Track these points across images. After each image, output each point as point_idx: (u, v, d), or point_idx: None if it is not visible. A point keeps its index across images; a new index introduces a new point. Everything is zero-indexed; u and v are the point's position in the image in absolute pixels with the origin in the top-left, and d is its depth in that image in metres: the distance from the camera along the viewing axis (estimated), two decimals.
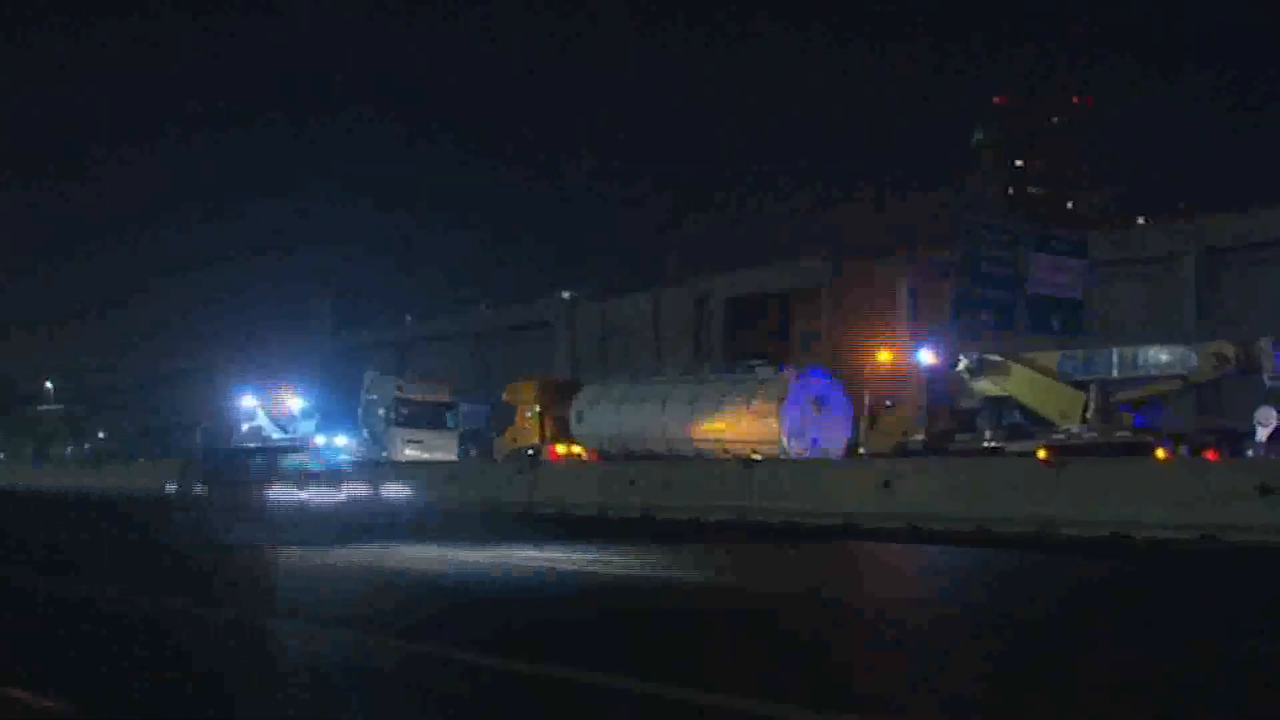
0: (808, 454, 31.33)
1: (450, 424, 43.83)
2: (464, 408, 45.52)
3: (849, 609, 12.83)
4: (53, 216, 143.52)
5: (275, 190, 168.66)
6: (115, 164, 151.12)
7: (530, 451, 37.92)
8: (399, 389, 44.00)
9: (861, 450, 30.93)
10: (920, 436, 29.42)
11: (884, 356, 32.69)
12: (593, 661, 9.08)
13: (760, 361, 36.48)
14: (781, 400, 32.37)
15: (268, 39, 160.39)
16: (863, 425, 31.93)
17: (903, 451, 28.78)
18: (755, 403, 32.94)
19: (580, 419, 37.65)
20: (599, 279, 66.64)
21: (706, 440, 33.27)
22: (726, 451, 31.25)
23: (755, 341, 49.20)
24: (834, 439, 32.36)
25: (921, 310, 38.41)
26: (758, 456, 27.57)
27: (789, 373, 33.56)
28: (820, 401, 32.83)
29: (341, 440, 44.21)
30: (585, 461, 36.04)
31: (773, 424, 32.13)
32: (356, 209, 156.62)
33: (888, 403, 31.41)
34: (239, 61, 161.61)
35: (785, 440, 31.75)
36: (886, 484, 21.84)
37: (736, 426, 32.92)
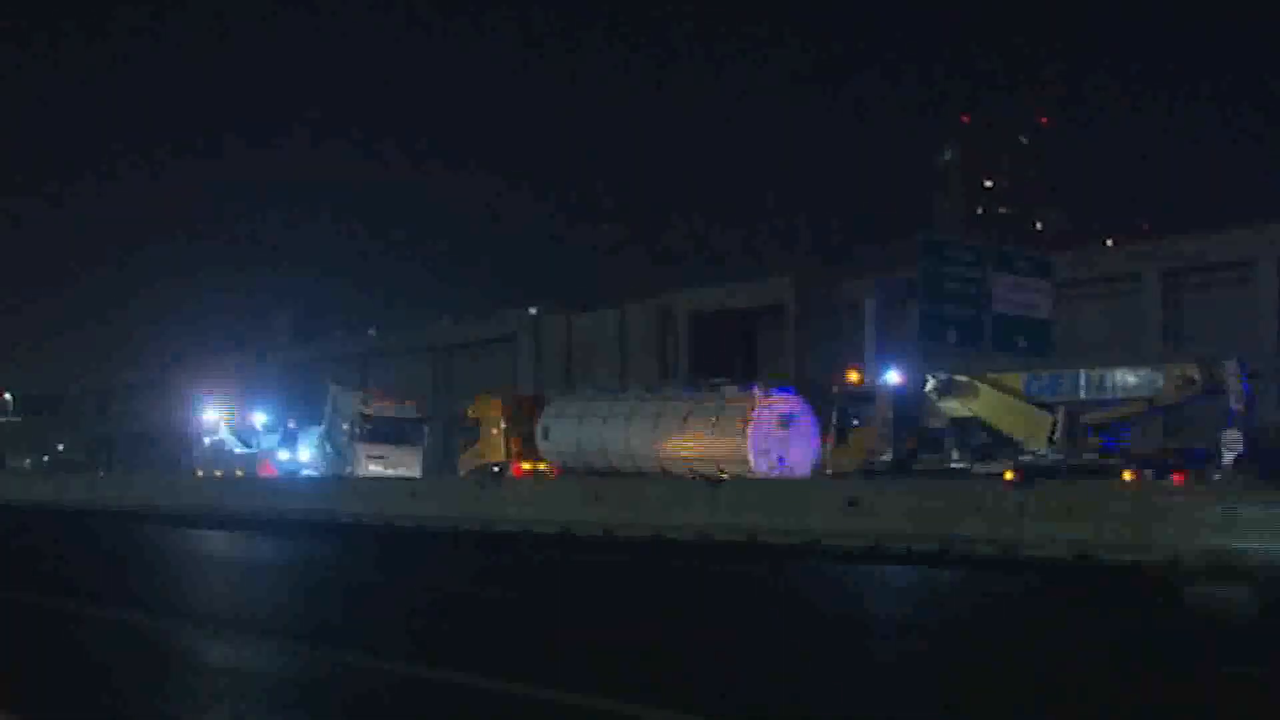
0: (775, 473, 31.23)
1: (416, 440, 43.56)
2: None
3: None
4: (14, 237, 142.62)
5: (234, 207, 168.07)
6: (77, 186, 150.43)
7: (495, 468, 37.66)
8: (363, 403, 43.67)
9: (828, 470, 30.83)
10: (886, 456, 29.33)
11: (851, 376, 32.59)
12: None
13: (725, 379, 36.41)
14: (748, 419, 32.27)
15: (226, 59, 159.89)
16: (829, 445, 31.84)
17: (869, 471, 28.68)
18: (722, 421, 32.83)
19: (546, 435, 37.43)
20: (564, 294, 66.69)
21: (672, 458, 33.12)
22: (692, 470, 31.08)
23: (721, 358, 49.12)
24: (801, 458, 32.26)
25: (887, 329, 38.37)
26: (725, 475, 27.42)
27: (756, 391, 33.46)
28: (787, 420, 32.74)
29: (305, 455, 43.89)
30: (549, 479, 35.78)
31: (740, 442, 32.02)
32: (314, 226, 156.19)
33: (854, 422, 31.33)
34: (197, 84, 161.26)
35: (753, 459, 31.64)
36: (852, 503, 21.72)
37: (703, 444, 32.79)
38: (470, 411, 41.62)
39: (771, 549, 21.61)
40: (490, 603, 14.88)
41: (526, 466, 37.88)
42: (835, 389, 32.42)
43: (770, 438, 32.25)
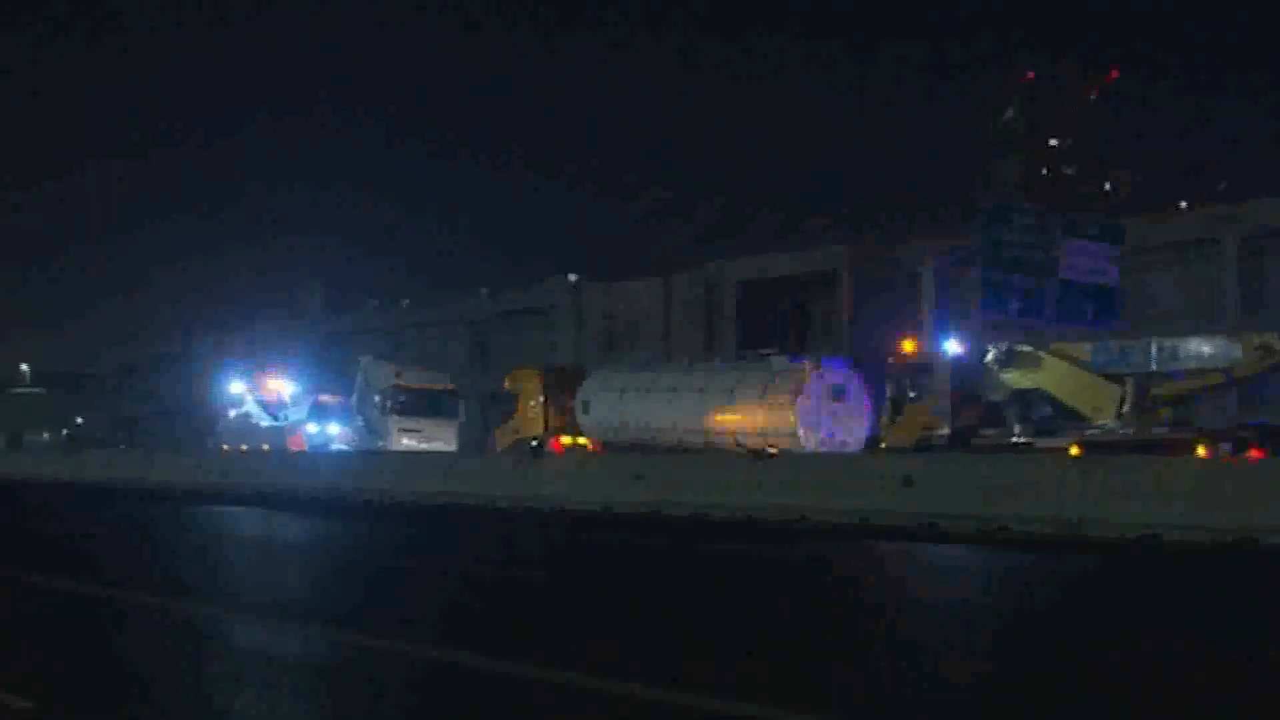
0: (826, 449, 31.15)
1: (451, 413, 43.72)
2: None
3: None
4: (42, 212, 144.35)
5: (264, 180, 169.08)
6: (104, 161, 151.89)
7: (533, 443, 37.76)
8: (397, 375, 43.87)
9: (883, 445, 30.72)
10: (944, 431, 29.19)
11: (907, 346, 32.40)
12: None
13: (774, 351, 36.35)
14: (798, 391, 32.20)
15: (251, 33, 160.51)
16: (883, 419, 31.71)
17: (926, 447, 28.55)
18: (770, 394, 32.78)
19: (586, 409, 37.51)
20: (605, 264, 66.60)
21: (719, 433, 33.12)
22: (739, 445, 31.08)
23: (770, 329, 49.02)
24: (853, 432, 32.18)
25: (946, 298, 38.09)
26: (773, 450, 27.44)
27: (806, 362, 33.38)
28: (838, 393, 32.65)
29: (335, 429, 44.15)
30: (590, 455, 35.86)
31: (788, 416, 31.96)
32: (341, 199, 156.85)
33: (910, 395, 31.14)
34: (222, 59, 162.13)
35: (802, 434, 31.58)
36: (908, 481, 21.59)
37: (750, 418, 32.77)
38: (507, 383, 41.79)
39: (822, 529, 21.54)
40: (523, 585, 14.88)
41: (566, 442, 38.01)
42: (890, 360, 32.28)
43: (821, 412, 32.18)
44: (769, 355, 35.60)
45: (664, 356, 48.24)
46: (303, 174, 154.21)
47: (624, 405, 36.30)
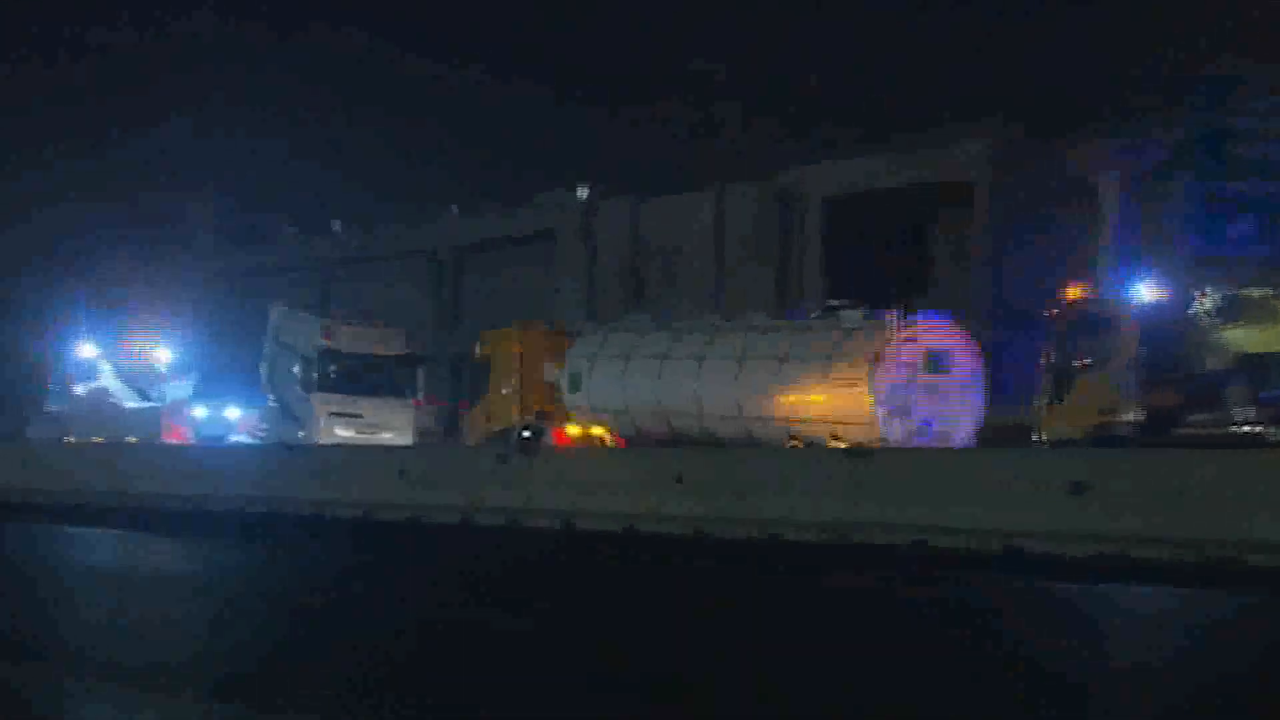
0: (916, 441, 31.01)
1: (405, 389, 43.60)
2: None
3: None
4: None
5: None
6: None
7: (523, 434, 37.62)
8: (325, 334, 43.67)
9: (1041, 437, 30.47)
10: (1132, 416, 28.88)
11: (1076, 293, 32.05)
12: None
13: (846, 302, 35.99)
14: (878, 360, 31.91)
15: None
16: (1039, 399, 31.43)
17: (1104, 439, 28.27)
18: (838, 363, 32.51)
19: (576, 385, 37.40)
20: (631, 178, 65.22)
21: (764, 418, 32.96)
22: (794, 436, 30.98)
23: (872, 268, 48.73)
24: (957, 419, 32.01)
25: (1135, 222, 37.77)
26: (871, 443, 27.24)
27: (889, 319, 33.01)
28: (937, 362, 32.41)
29: (234, 413, 44.10)
30: (607, 450, 35.72)
31: (862, 395, 31.73)
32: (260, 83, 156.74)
33: (1080, 364, 30.85)
34: None
35: (882, 419, 31.40)
36: (1078, 488, 21.31)
37: (809, 398, 32.60)
38: (479, 351, 41.69)
39: (952, 558, 21.36)
40: (504, 640, 14.76)
41: (574, 432, 37.89)
42: (1051, 314, 31.97)
43: (911, 388, 31.92)
44: (838, 309, 35.21)
45: (711, 310, 47.88)
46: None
47: (629, 380, 36.09)
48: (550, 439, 37.22)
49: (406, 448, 39.50)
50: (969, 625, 16.82)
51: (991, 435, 35.12)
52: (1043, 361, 31.32)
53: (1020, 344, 32.84)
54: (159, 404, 46.50)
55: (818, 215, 53.07)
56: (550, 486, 28.13)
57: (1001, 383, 34.27)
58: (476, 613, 17.06)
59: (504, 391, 39.64)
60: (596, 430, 37.70)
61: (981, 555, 21.16)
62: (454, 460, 34.21)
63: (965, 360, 32.66)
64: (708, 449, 32.03)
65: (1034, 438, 30.73)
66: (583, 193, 61.44)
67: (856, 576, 20.63)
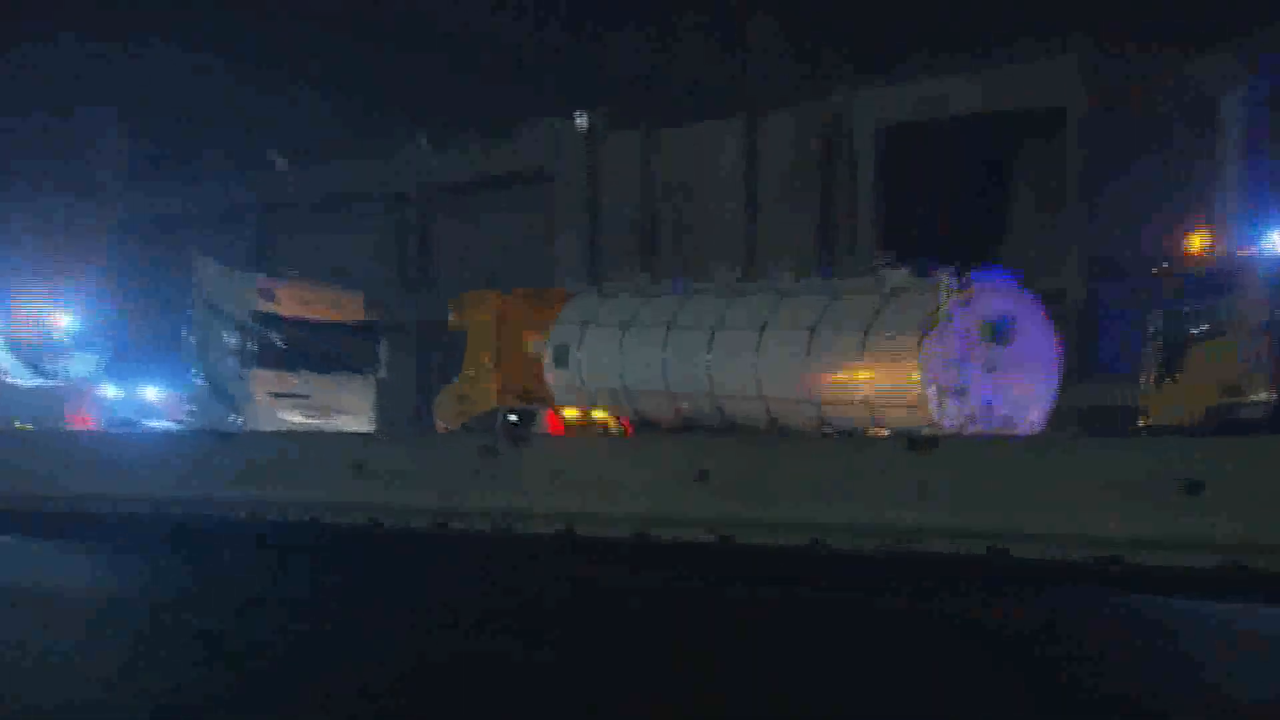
0: (975, 426, 31.13)
1: (363, 364, 43.72)
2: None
3: None
4: None
5: None
6: None
7: (510, 418, 37.82)
8: (264, 296, 43.79)
9: (1143, 421, 30.60)
10: (1264, 396, 29.03)
11: (1195, 244, 32.15)
12: None
13: (889, 259, 36.07)
14: (928, 329, 32.07)
15: None
16: (1145, 375, 31.54)
17: (1226, 423, 28.39)
18: (879, 333, 32.66)
19: (562, 359, 37.54)
20: (641, 98, 64.66)
21: (789, 400, 33.15)
22: (825, 421, 31.69)
23: (934, 212, 48.77)
24: (1024, 400, 32.18)
25: (1266, 151, 37.83)
26: (932, 431, 27.43)
27: (942, 279, 33.09)
28: (1000, 331, 32.53)
29: (152, 393, 44.17)
30: (613, 439, 35.85)
31: (908, 370, 31.94)
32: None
33: (1197, 331, 30.95)
34: None
35: (932, 401, 31.55)
36: (1193, 487, 21.43)
37: (844, 376, 32.77)
38: (453, 317, 41.81)
39: (1031, 570, 21.50)
40: (491, 676, 14.90)
41: (572, 416, 38.06)
42: (1161, 271, 32.05)
43: (967, 364, 32.14)
44: (882, 266, 35.30)
45: (739, 268, 47.85)
46: None
47: (627, 353, 36.23)
48: (544, 425, 37.43)
49: (365, 435, 39.67)
50: (1061, 651, 16.87)
51: (1079, 420, 35.29)
52: (1150, 329, 31.42)
53: (1120, 307, 32.90)
54: (59, 382, 46.57)
55: (871, 149, 53.12)
56: (546, 484, 28.26)
57: (1096, 355, 34.43)
58: (454, 642, 17.14)
59: (480, 368, 39.75)
60: (598, 414, 37.88)
61: (1073, 566, 21.33)
62: (426, 451, 34.28)
63: (1034, 329, 32.81)
64: (737, 438, 32.15)
65: (1138, 423, 30.84)
66: (583, 122, 61.30)
67: (921, 595, 20.71)
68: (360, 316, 44.78)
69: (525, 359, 39.30)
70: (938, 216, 48.72)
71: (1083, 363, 35.73)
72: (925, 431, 29.01)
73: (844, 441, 30.48)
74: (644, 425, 35.78)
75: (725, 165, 56.49)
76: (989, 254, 40.06)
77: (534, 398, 38.72)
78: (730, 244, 53.31)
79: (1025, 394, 32.20)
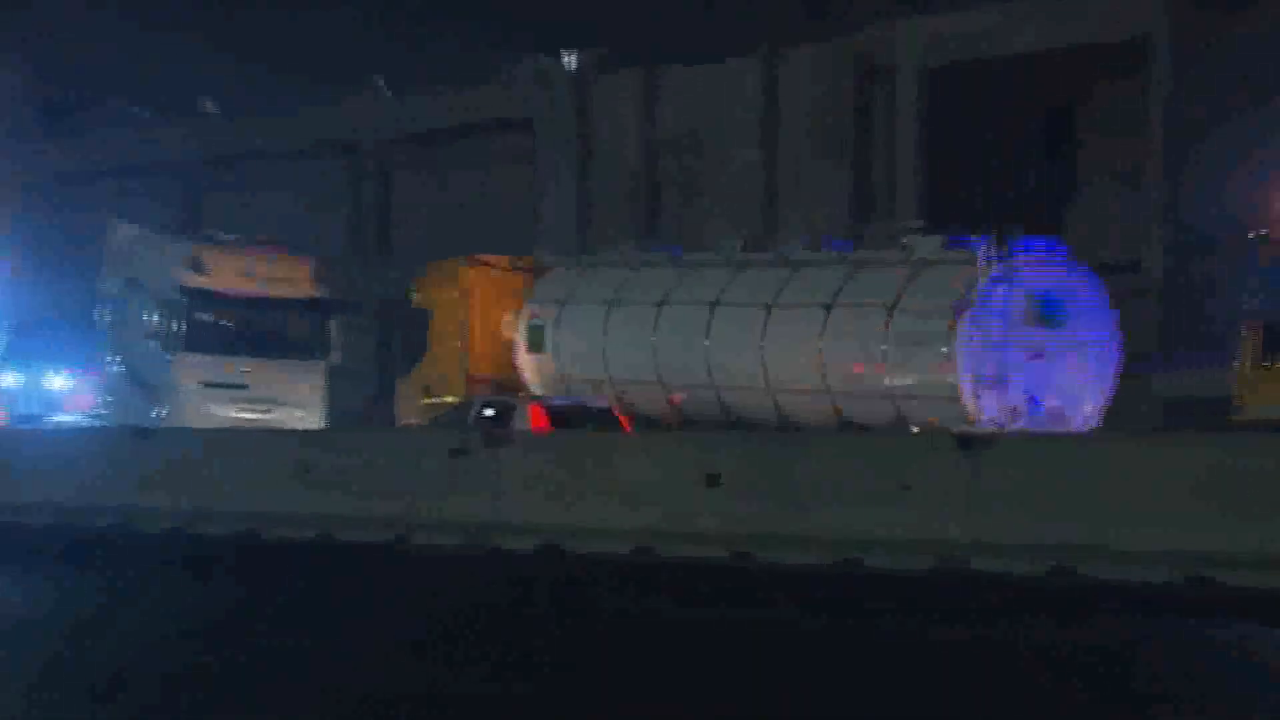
0: (1019, 423, 31.09)
1: (312, 347, 43.58)
2: None
3: None
4: None
5: None
6: None
7: (485, 411, 37.68)
8: (193, 266, 43.58)
9: (1241, 415, 30.51)
10: None
11: None
12: None
13: (918, 227, 36.01)
14: (964, 309, 32.01)
15: None
16: (1239, 361, 31.46)
17: None
18: (904, 313, 32.59)
19: (538, 342, 37.52)
20: (640, 34, 64.32)
21: (800, 389, 33.12)
22: (841, 413, 31.53)
23: (988, 168, 48.67)
24: (1076, 392, 32.14)
25: None
26: (981, 427, 27.30)
27: (981, 250, 32.99)
28: (1048, 311, 32.48)
29: (60, 382, 44.13)
30: (605, 435, 35.71)
31: (940, 358, 31.84)
32: None
33: None
34: None
35: (968, 393, 31.49)
36: None
37: (864, 362, 32.67)
38: (416, 294, 41.79)
39: (1107, 592, 21.36)
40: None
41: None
42: (1260, 240, 32.00)
43: (1008, 350, 32.09)
44: (910, 234, 35.19)
45: (766, 227, 47.71)
46: None
47: (612, 335, 36.19)
48: (526, 420, 37.26)
49: (313, 433, 39.53)
50: (1141, 689, 16.75)
51: (1161, 414, 35.19)
52: (1245, 308, 31.33)
53: (1209, 283, 32.82)
54: None
55: (914, 94, 52.86)
56: (527, 491, 28.17)
57: (1180, 337, 34.34)
58: (416, 680, 16.98)
59: (448, 352, 39.71)
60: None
61: (1158, 588, 21.12)
62: (385, 451, 34.14)
63: (1089, 308, 32.70)
64: (754, 435, 31.98)
65: (1232, 416, 30.73)
66: (571, 61, 61.16)
67: (977, 620, 20.55)
68: (308, 291, 44.44)
69: (501, 342, 39.24)
70: (991, 175, 48.60)
71: (1165, 347, 35.54)
72: (969, 428, 28.77)
73: (881, 440, 30.28)
74: (640, 420, 35.62)
75: (740, 113, 56.22)
76: (1052, 219, 39.90)
77: (512, 388, 38.63)
78: (745, 207, 53.06)
79: (1078, 384, 32.10)
